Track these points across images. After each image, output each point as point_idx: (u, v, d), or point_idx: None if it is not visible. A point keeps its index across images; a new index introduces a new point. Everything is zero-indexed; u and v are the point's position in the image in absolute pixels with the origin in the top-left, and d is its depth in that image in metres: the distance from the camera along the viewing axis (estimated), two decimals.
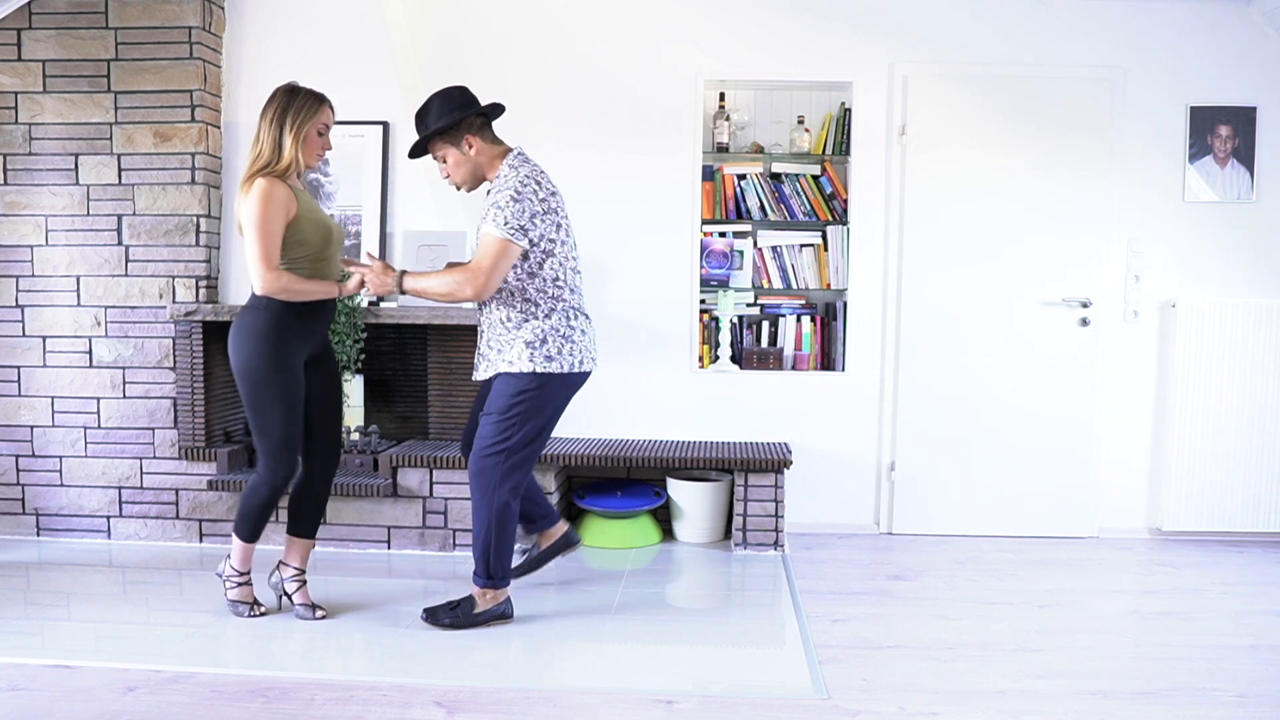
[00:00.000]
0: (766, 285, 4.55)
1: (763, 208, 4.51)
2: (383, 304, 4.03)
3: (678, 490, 4.21)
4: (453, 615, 3.14)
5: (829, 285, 4.54)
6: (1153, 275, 4.37)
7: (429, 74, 4.39)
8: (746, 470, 4.07)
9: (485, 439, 3.07)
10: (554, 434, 3.92)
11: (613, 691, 2.67)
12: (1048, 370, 4.38)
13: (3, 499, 4.21)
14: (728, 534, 4.28)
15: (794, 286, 4.55)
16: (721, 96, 4.54)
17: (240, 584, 3.21)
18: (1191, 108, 4.32)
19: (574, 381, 3.13)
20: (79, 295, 4.14)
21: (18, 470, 4.20)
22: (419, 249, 4.09)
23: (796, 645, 3.03)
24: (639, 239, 4.42)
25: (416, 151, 3.17)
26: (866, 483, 4.49)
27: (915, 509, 4.45)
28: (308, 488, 3.22)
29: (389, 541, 4.00)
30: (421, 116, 3.09)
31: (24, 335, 4.17)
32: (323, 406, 3.19)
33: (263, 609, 3.22)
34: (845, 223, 4.48)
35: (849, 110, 4.43)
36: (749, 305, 4.62)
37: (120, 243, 4.11)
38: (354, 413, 4.13)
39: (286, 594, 3.22)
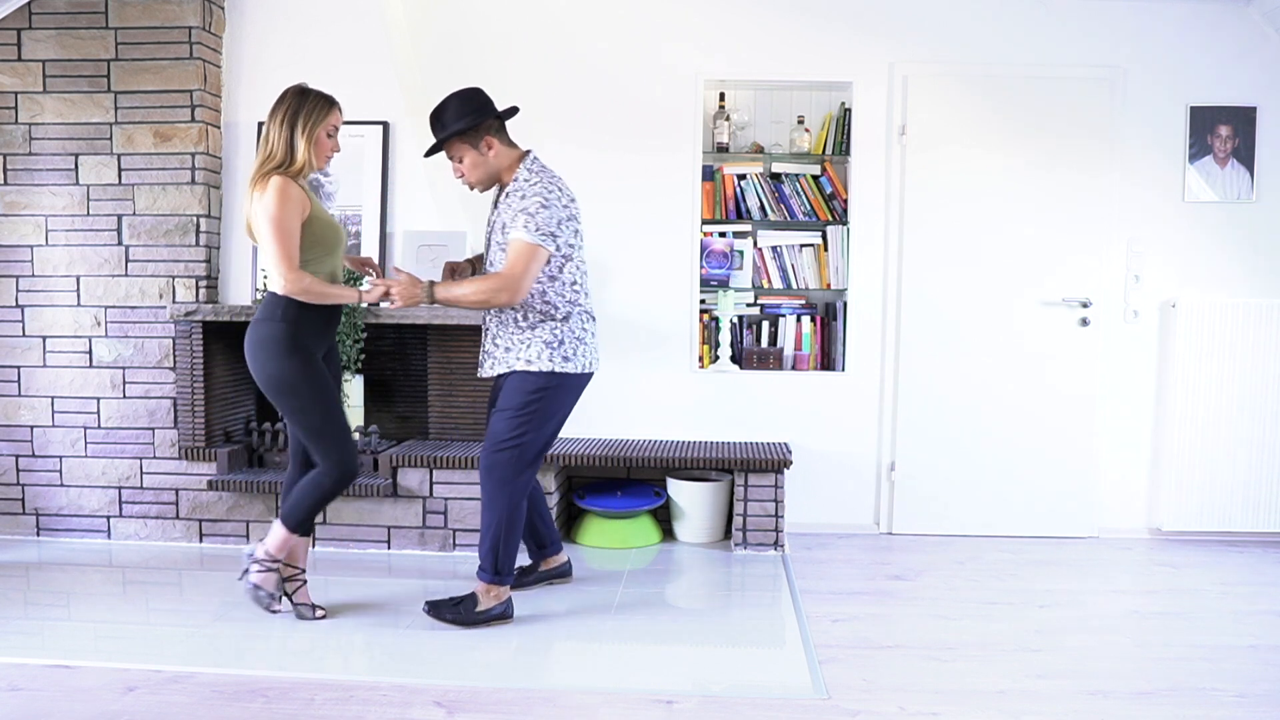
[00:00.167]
0: (766, 285, 4.55)
1: (763, 208, 4.51)
2: (383, 304, 4.02)
3: (678, 490, 4.21)
4: (455, 612, 3.15)
5: (829, 285, 4.54)
6: (1153, 275, 4.37)
7: (429, 74, 4.39)
8: (746, 470, 4.07)
9: (499, 435, 3.12)
10: None
11: (613, 691, 2.67)
12: (1048, 370, 4.38)
13: (3, 499, 4.21)
14: (728, 534, 4.28)
15: (794, 286, 4.55)
16: (721, 96, 4.54)
17: (269, 569, 3.16)
18: (1191, 108, 4.32)
19: (583, 382, 3.22)
20: (79, 295, 4.14)
21: (18, 470, 4.20)
22: (419, 249, 4.09)
23: (796, 645, 3.03)
24: (639, 239, 4.42)
25: (432, 150, 3.18)
26: (866, 483, 4.49)
27: (915, 509, 4.45)
28: (300, 482, 3.21)
29: (389, 541, 4.00)
30: (438, 116, 3.10)
31: (24, 335, 4.17)
32: None
33: (280, 608, 3.20)
34: (845, 223, 4.48)
35: (849, 110, 4.43)
36: (749, 305, 4.62)
37: (120, 243, 4.11)
38: (354, 413, 4.13)
39: (286, 594, 3.21)
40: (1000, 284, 4.38)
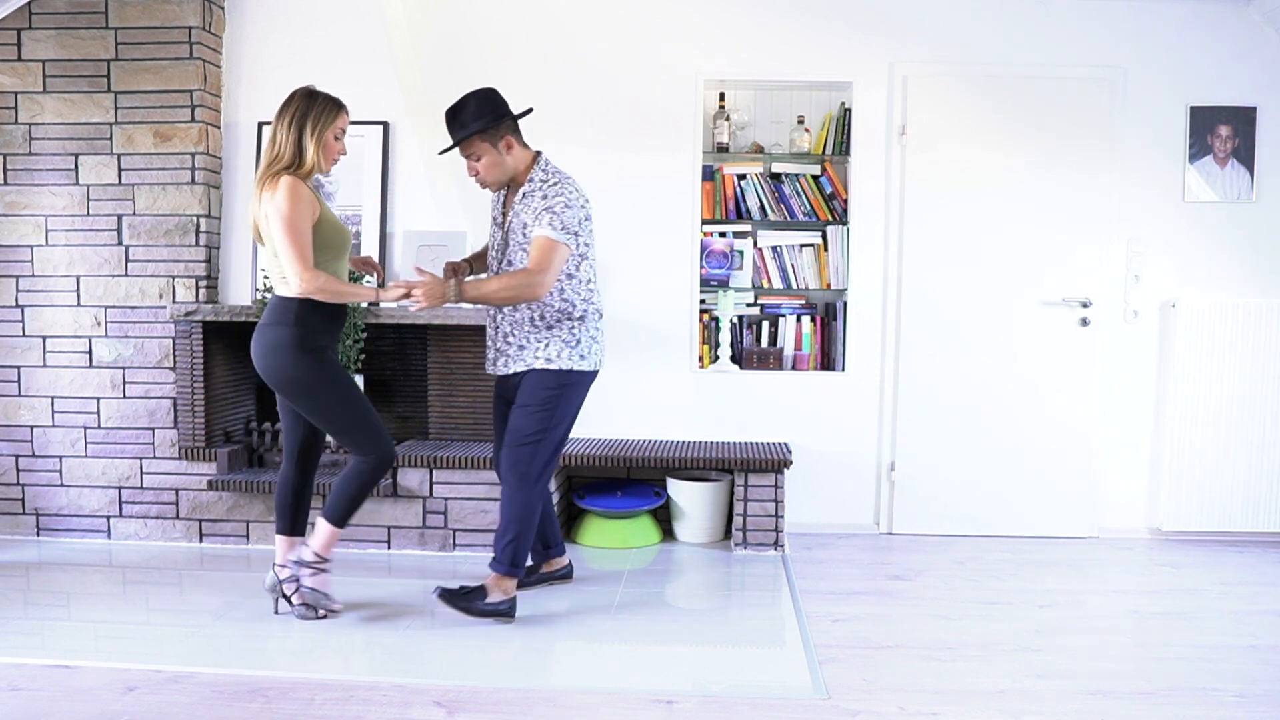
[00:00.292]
0: (766, 285, 4.55)
1: (763, 208, 4.51)
2: (383, 304, 4.03)
3: (678, 490, 4.21)
4: (465, 600, 3.16)
5: (829, 285, 4.54)
6: (1153, 275, 4.37)
7: (429, 74, 4.39)
8: (746, 470, 4.07)
9: (522, 430, 3.16)
10: None
11: (613, 691, 2.67)
12: (1048, 370, 4.39)
13: (3, 499, 4.21)
14: (728, 534, 4.28)
15: (794, 286, 4.55)
16: (721, 96, 4.54)
17: (320, 570, 3.15)
18: (1191, 108, 4.32)
19: (593, 379, 3.30)
20: (79, 295, 4.14)
21: (18, 470, 4.20)
22: (419, 249, 4.09)
23: (796, 645, 3.03)
24: (639, 239, 4.42)
25: (450, 148, 3.20)
26: (866, 483, 4.49)
27: (915, 509, 4.45)
28: (299, 484, 3.20)
29: (389, 541, 4.00)
30: (456, 115, 3.13)
31: (24, 335, 4.17)
32: None
33: (339, 606, 3.17)
34: (845, 223, 4.48)
35: (849, 110, 4.43)
36: (749, 305, 4.62)
37: (120, 243, 4.11)
38: None
39: (284, 595, 3.19)
40: (1000, 284, 4.38)
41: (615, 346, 4.37)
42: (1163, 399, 4.38)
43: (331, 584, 3.20)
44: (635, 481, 4.39)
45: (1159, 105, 4.32)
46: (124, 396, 4.15)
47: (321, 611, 3.18)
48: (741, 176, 4.52)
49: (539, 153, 3.23)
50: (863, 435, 4.47)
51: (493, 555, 3.21)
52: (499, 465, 3.34)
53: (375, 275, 3.35)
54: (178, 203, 4.09)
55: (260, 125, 4.15)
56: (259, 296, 4.01)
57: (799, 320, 4.57)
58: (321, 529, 3.13)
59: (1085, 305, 4.36)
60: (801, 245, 4.53)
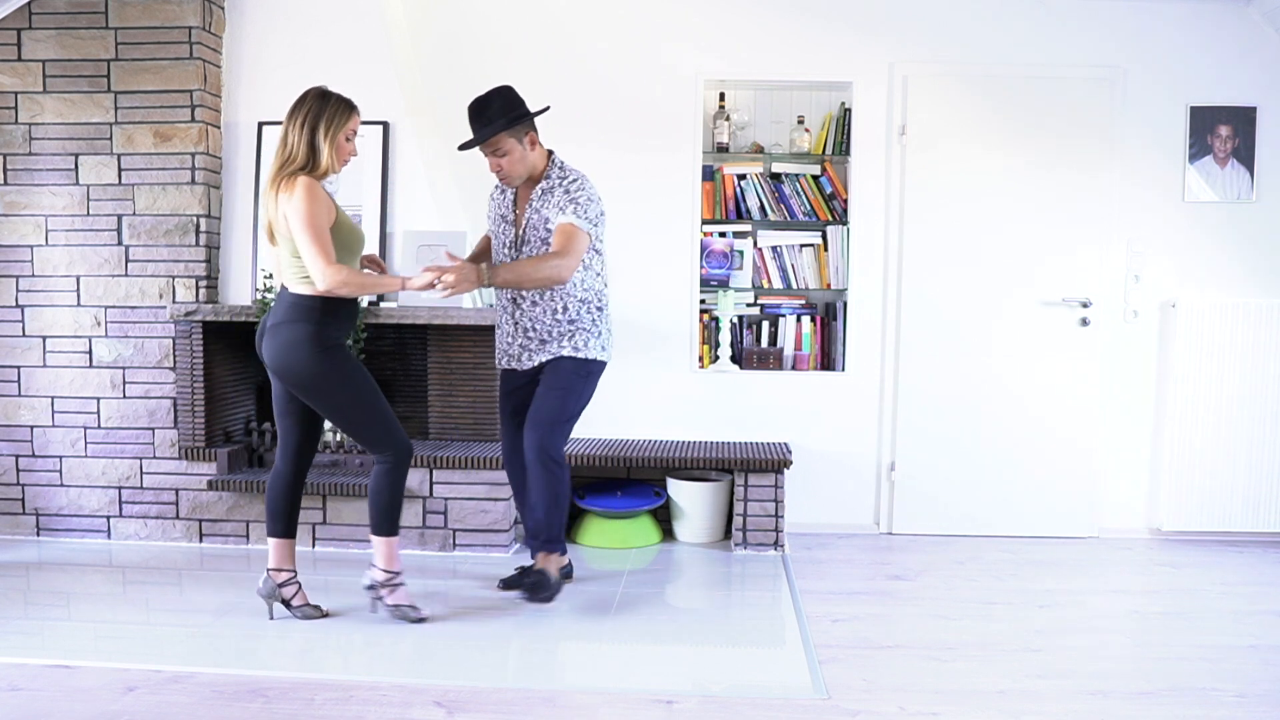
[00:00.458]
0: (766, 285, 4.55)
1: (763, 208, 4.51)
2: (383, 304, 4.03)
3: (678, 490, 4.21)
4: (548, 590, 3.28)
5: (829, 285, 4.54)
6: (1153, 275, 4.37)
7: (429, 74, 4.39)
8: (746, 470, 4.07)
9: (554, 412, 3.27)
10: None
11: (613, 691, 2.67)
12: (1048, 370, 4.38)
13: (3, 499, 4.21)
14: (728, 534, 4.28)
15: (794, 286, 4.55)
16: (721, 96, 4.54)
17: (399, 585, 3.15)
18: (1191, 108, 4.32)
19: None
20: (79, 295, 4.14)
21: (18, 470, 4.20)
22: (419, 249, 4.09)
23: (796, 645, 3.03)
24: (639, 239, 4.41)
25: (476, 143, 3.22)
26: (866, 483, 4.49)
27: (915, 509, 4.45)
28: (294, 485, 3.18)
29: None
30: (484, 110, 3.17)
31: (24, 335, 4.17)
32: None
33: (428, 613, 3.18)
34: (845, 223, 4.48)
35: (849, 110, 4.43)
36: (749, 305, 4.63)
37: (120, 243, 4.11)
38: None
39: (284, 600, 3.16)
40: (1000, 284, 4.38)
41: (616, 346, 4.36)
42: (1163, 399, 4.38)
43: (410, 594, 3.20)
44: (635, 481, 4.38)
45: (1159, 105, 4.32)
46: (124, 396, 4.15)
47: (324, 609, 3.19)
48: (741, 176, 4.52)
49: (551, 150, 3.33)
50: (863, 435, 4.47)
51: (544, 538, 3.32)
52: (514, 456, 3.43)
53: (379, 273, 3.35)
54: (178, 203, 4.09)
55: (260, 125, 4.15)
56: (259, 296, 4.01)
57: (799, 320, 4.57)
58: (379, 545, 3.13)
59: (1085, 305, 4.36)
60: (801, 245, 4.53)
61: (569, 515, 4.35)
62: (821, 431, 4.46)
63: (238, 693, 2.63)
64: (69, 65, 4.06)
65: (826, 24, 4.37)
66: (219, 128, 4.20)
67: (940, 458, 4.43)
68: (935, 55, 4.36)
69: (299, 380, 3.00)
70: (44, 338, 4.16)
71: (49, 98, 4.08)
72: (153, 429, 4.14)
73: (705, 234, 4.51)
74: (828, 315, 4.61)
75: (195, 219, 4.09)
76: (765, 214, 4.51)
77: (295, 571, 3.20)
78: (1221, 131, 4.32)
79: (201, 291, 4.11)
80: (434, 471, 3.95)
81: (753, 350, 4.53)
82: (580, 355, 3.31)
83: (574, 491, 4.31)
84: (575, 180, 3.25)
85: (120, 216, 4.11)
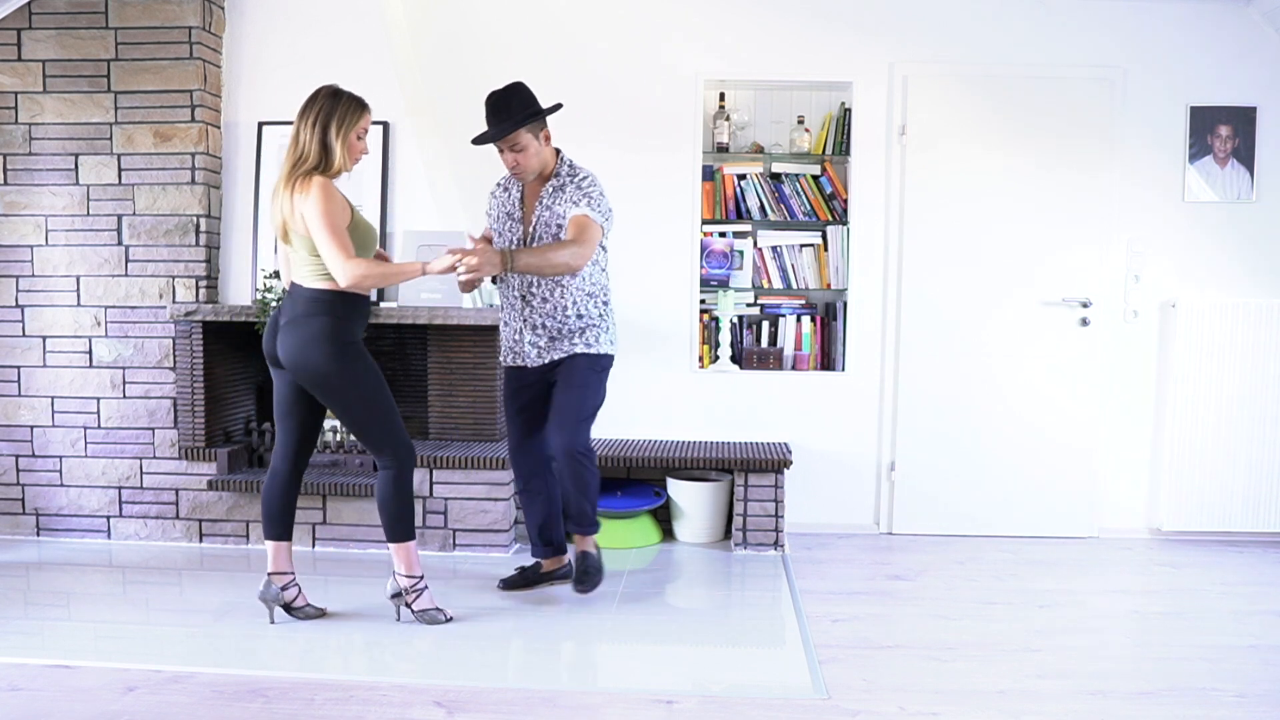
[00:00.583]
0: (766, 285, 4.55)
1: (763, 208, 4.51)
2: (383, 304, 4.03)
3: (678, 490, 4.21)
4: (597, 576, 3.40)
5: (829, 285, 4.54)
6: (1153, 275, 4.37)
7: (429, 74, 4.39)
8: (746, 470, 4.07)
9: (580, 409, 3.32)
10: None
11: (613, 691, 2.67)
12: (1048, 370, 4.39)
13: (3, 499, 4.21)
14: (728, 534, 4.28)
15: (794, 286, 4.55)
16: (721, 96, 4.54)
17: (423, 589, 3.15)
18: (1191, 108, 4.32)
19: None
20: (79, 295, 4.14)
21: (18, 470, 4.20)
22: (419, 249, 4.09)
23: (796, 645, 3.03)
24: (639, 239, 4.41)
25: (496, 138, 3.23)
26: (866, 483, 4.49)
27: (915, 509, 4.45)
28: (292, 486, 3.17)
29: None
30: (504, 105, 3.21)
31: (24, 335, 4.17)
32: (312, 403, 3.15)
33: (454, 614, 3.20)
34: (845, 223, 4.48)
35: (849, 110, 4.43)
36: (749, 305, 4.63)
37: (120, 243, 4.11)
38: None
39: (286, 603, 3.15)
40: (1000, 284, 4.38)
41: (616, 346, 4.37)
42: (1163, 399, 4.38)
43: (436, 597, 3.22)
44: (635, 481, 4.38)
45: (1159, 105, 4.32)
46: (124, 396, 4.15)
47: (322, 607, 3.20)
48: (741, 176, 4.52)
49: (558, 148, 3.36)
50: (862, 435, 4.47)
51: (579, 522, 3.38)
52: (521, 450, 3.45)
53: None
54: (178, 203, 4.09)
55: (260, 125, 4.15)
56: (259, 296, 4.01)
57: (799, 320, 4.57)
58: (397, 551, 3.13)
59: (1085, 305, 4.36)
60: (801, 245, 4.53)
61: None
62: (821, 431, 4.46)
63: (238, 693, 2.63)
64: (69, 65, 4.06)
65: (826, 24, 4.37)
66: (219, 128, 4.20)
67: (940, 458, 4.43)
68: (935, 55, 4.36)
69: (314, 375, 2.99)
70: (44, 338, 4.16)
71: (49, 98, 4.08)
72: (153, 429, 4.14)
73: (705, 234, 4.51)
74: (828, 315, 4.61)
75: (195, 219, 4.09)
76: (765, 214, 4.51)
77: (294, 574, 3.19)
78: (1221, 131, 4.32)
79: (201, 291, 4.11)
80: (434, 471, 3.95)
81: (753, 350, 4.53)
82: (593, 351, 3.33)
83: None
84: (586, 177, 3.29)
85: (120, 216, 4.11)
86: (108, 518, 4.17)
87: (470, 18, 4.42)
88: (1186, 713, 2.58)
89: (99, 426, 4.16)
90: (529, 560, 3.67)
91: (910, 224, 4.39)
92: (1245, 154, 4.32)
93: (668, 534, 4.31)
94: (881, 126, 4.39)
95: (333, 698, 2.60)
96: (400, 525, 3.11)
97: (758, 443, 4.41)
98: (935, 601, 3.51)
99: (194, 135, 4.07)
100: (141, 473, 4.15)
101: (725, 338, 4.48)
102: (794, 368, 4.56)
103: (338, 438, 4.14)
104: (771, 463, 4.05)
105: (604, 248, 3.35)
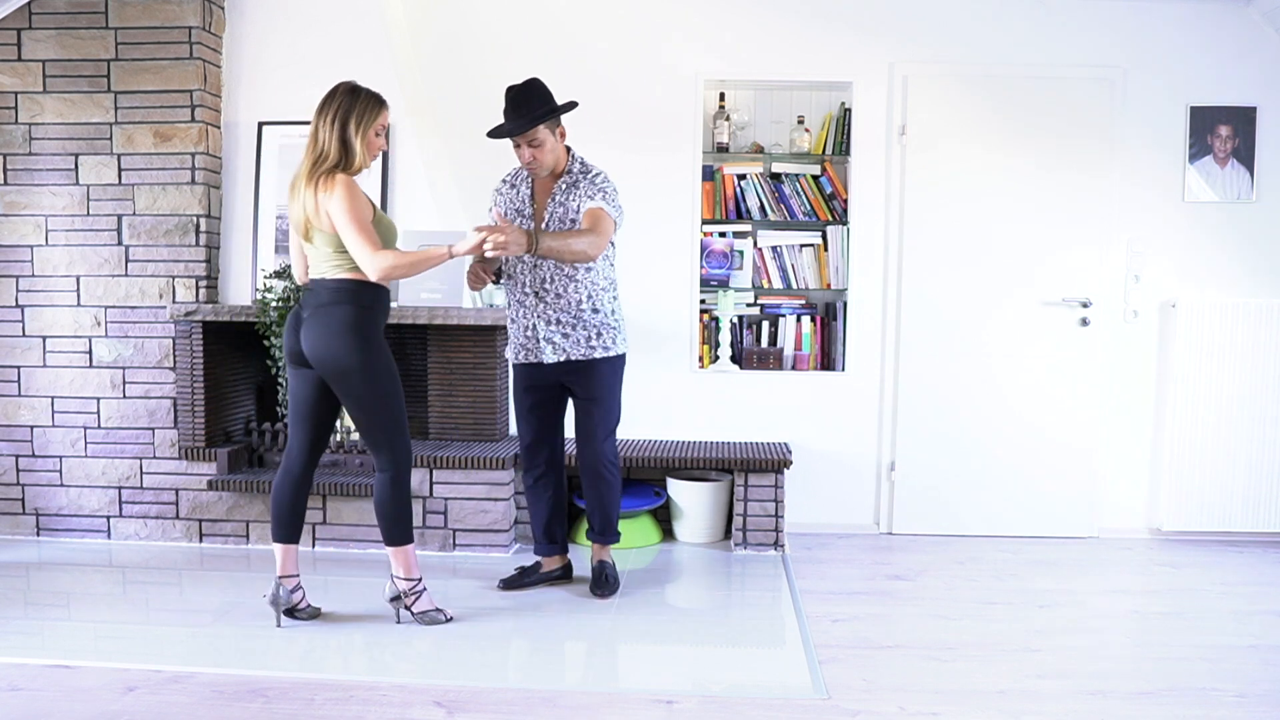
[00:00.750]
0: (766, 285, 4.55)
1: (763, 208, 4.51)
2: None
3: (678, 490, 4.21)
4: (615, 581, 3.50)
5: (829, 285, 4.54)
6: (1153, 275, 4.37)
7: (429, 74, 4.39)
8: (746, 470, 4.07)
9: (609, 421, 3.42)
10: None
11: (613, 691, 2.67)
12: (1048, 370, 4.38)
13: (3, 499, 4.21)
14: (728, 534, 4.28)
15: (794, 286, 4.55)
16: (721, 96, 4.54)
17: (422, 591, 3.15)
18: (1191, 108, 4.32)
19: None
20: (79, 295, 4.14)
21: (18, 470, 4.20)
22: (419, 249, 4.08)
23: (796, 645, 3.03)
24: (639, 239, 4.41)
25: (515, 132, 3.24)
26: (866, 483, 4.49)
27: (915, 509, 4.45)
28: (304, 488, 3.16)
29: None
30: (525, 100, 3.22)
31: (24, 335, 4.17)
32: (331, 404, 3.15)
33: (455, 614, 3.21)
34: (845, 223, 4.48)
35: (849, 110, 4.43)
36: (749, 305, 4.62)
37: (120, 243, 4.11)
38: None
39: (291, 608, 3.14)
40: (1000, 284, 4.38)
41: None
42: (1163, 399, 4.38)
43: (436, 597, 3.23)
44: (635, 481, 4.38)
45: (1159, 105, 4.32)
46: (124, 396, 4.15)
47: (320, 606, 3.20)
48: (741, 176, 4.52)
49: (569, 146, 3.39)
50: (862, 435, 4.47)
51: (601, 531, 3.50)
52: (536, 448, 3.48)
53: None
54: (178, 203, 4.09)
55: (260, 125, 4.15)
56: (259, 296, 4.01)
57: (799, 320, 4.57)
58: (395, 555, 3.12)
59: (1085, 305, 4.36)
60: (801, 245, 4.53)
61: (568, 517, 4.36)
62: (821, 431, 4.46)
63: (238, 693, 2.63)
64: (69, 65, 4.06)
65: (826, 24, 4.37)
66: (219, 128, 4.20)
67: (940, 458, 4.43)
68: (935, 55, 4.36)
69: (336, 366, 2.98)
70: (44, 338, 4.16)
71: (49, 98, 4.08)
72: (153, 429, 4.14)
73: (705, 234, 4.51)
74: (828, 315, 4.61)
75: (195, 219, 4.09)
76: (765, 214, 4.51)
77: (299, 575, 3.19)
78: (1221, 131, 4.32)
79: (201, 291, 4.11)
80: (434, 471, 3.95)
81: (753, 350, 4.53)
82: (611, 354, 3.39)
83: (574, 492, 4.31)
84: (600, 174, 3.34)
85: (120, 216, 4.11)
86: (108, 518, 4.17)
87: (470, 18, 4.42)
88: (1186, 713, 2.58)
89: (99, 426, 4.16)
90: (529, 560, 3.68)
91: (910, 224, 4.39)
92: (1245, 154, 4.32)
93: (668, 534, 4.31)
94: (881, 126, 4.39)
95: (333, 698, 2.60)
96: (398, 528, 3.11)
97: (758, 443, 4.41)
98: (935, 601, 3.51)
99: (194, 135, 4.07)
100: (141, 473, 4.15)
101: (725, 338, 4.48)
102: (794, 368, 4.56)
103: (338, 438, 4.14)
104: (771, 463, 4.05)
105: (613, 244, 3.39)
